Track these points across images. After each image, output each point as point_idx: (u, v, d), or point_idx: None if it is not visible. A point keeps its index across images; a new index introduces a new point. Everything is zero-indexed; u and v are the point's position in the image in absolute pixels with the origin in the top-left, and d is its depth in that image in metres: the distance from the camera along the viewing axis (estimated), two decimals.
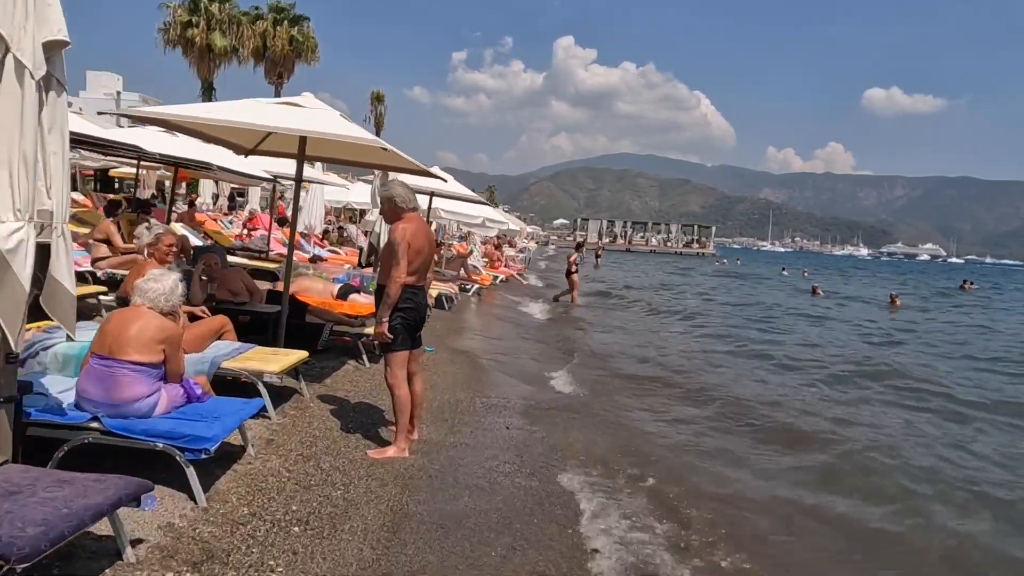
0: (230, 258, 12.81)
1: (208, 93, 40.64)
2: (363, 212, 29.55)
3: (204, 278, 6.89)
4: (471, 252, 20.30)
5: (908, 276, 66.04)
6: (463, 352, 8.89)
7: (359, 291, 9.07)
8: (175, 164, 10.74)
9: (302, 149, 6.30)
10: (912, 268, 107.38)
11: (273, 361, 5.05)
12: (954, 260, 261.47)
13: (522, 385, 7.69)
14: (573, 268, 17.86)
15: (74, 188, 27.52)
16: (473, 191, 15.74)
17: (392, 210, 4.73)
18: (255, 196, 26.00)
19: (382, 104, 61.49)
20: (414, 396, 4.91)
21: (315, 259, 11.47)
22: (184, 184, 26.93)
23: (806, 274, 46.30)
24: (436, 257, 17.25)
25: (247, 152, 7.52)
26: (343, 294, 8.84)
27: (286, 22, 43.70)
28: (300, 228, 16.93)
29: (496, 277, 20.54)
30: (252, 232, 17.59)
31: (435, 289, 12.07)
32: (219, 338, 5.52)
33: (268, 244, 13.47)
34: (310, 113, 5.96)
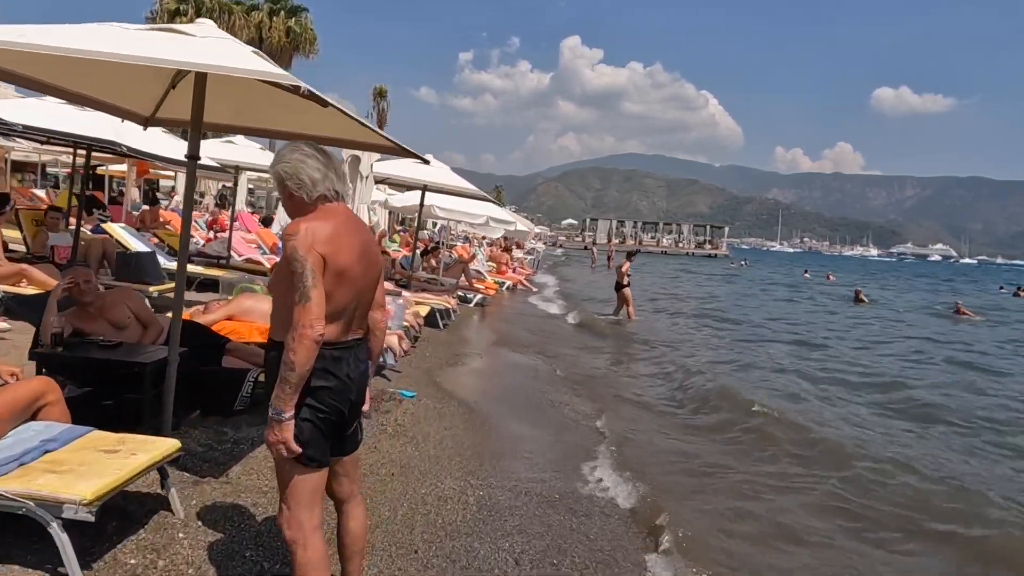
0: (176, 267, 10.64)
1: None
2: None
3: (70, 297, 4.65)
4: (474, 256, 18.01)
5: (931, 278, 63.43)
6: (456, 398, 6.59)
7: None
8: (44, 140, 8.47)
9: (199, 104, 4.02)
10: (927, 270, 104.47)
11: (94, 472, 2.78)
12: (967, 261, 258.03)
13: (539, 458, 5.38)
14: (625, 280, 15.32)
15: (56, 186, 25.48)
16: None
17: (291, 200, 2.48)
18: (241, 192, 23.79)
19: (385, 100, 59.60)
20: (346, 543, 2.64)
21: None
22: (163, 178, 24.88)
23: (831, 277, 43.85)
24: (433, 263, 15.00)
25: (146, 121, 5.27)
26: None
27: (283, 12, 41.71)
28: (275, 229, 14.73)
29: (503, 284, 18.26)
30: (220, 234, 15.42)
31: (425, 304, 9.81)
32: (33, 417, 3.27)
33: (229, 248, 11.22)
34: (203, 44, 3.70)
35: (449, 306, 10.46)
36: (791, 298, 27.99)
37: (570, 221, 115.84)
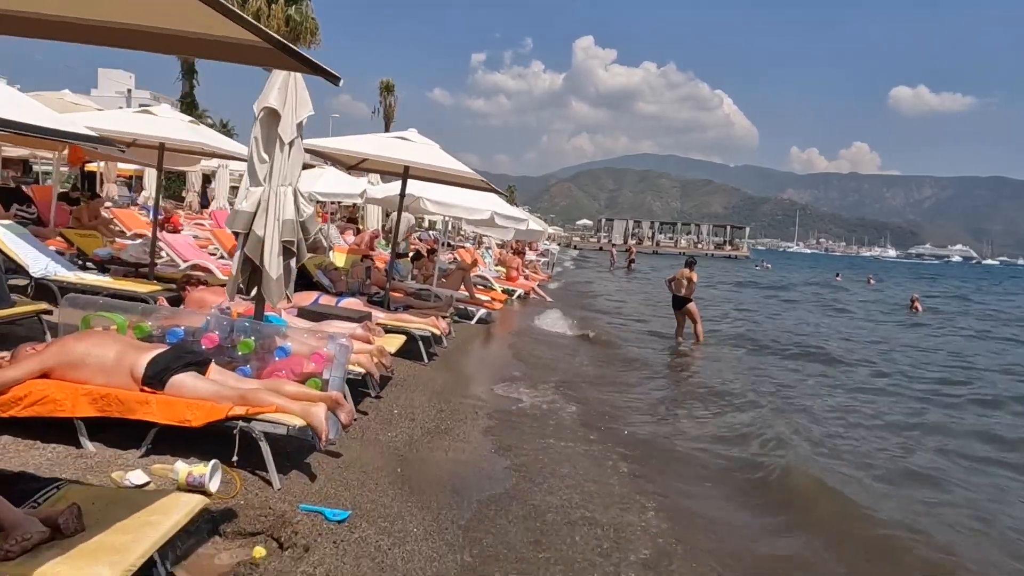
0: (77, 276, 8.02)
1: (190, 77, 36.22)
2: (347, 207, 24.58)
3: None
4: (476, 261, 15.27)
5: (980, 281, 60.09)
6: (428, 511, 3.88)
7: (203, 363, 4.13)
8: None
9: None
10: (957, 272, 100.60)
11: None
12: (989, 262, 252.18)
13: None
14: (688, 293, 12.31)
15: (36, 182, 23.14)
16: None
17: None
18: (222, 186, 21.20)
19: (392, 95, 57.21)
20: None
21: (189, 281, 6.38)
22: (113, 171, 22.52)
23: (872, 281, 40.73)
24: (426, 270, 12.29)
25: None
26: (158, 373, 3.90)
27: (281, 0, 39.34)
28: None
29: (513, 293, 15.54)
30: (177, 231, 12.87)
31: (402, 331, 7.10)
32: None
33: (152, 253, 8.56)
34: None
35: (436, 330, 7.75)
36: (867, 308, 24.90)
37: (584, 221, 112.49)
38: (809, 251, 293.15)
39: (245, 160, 9.45)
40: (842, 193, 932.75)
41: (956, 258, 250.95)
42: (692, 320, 12.40)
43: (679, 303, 12.34)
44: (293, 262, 4.81)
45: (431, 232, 31.21)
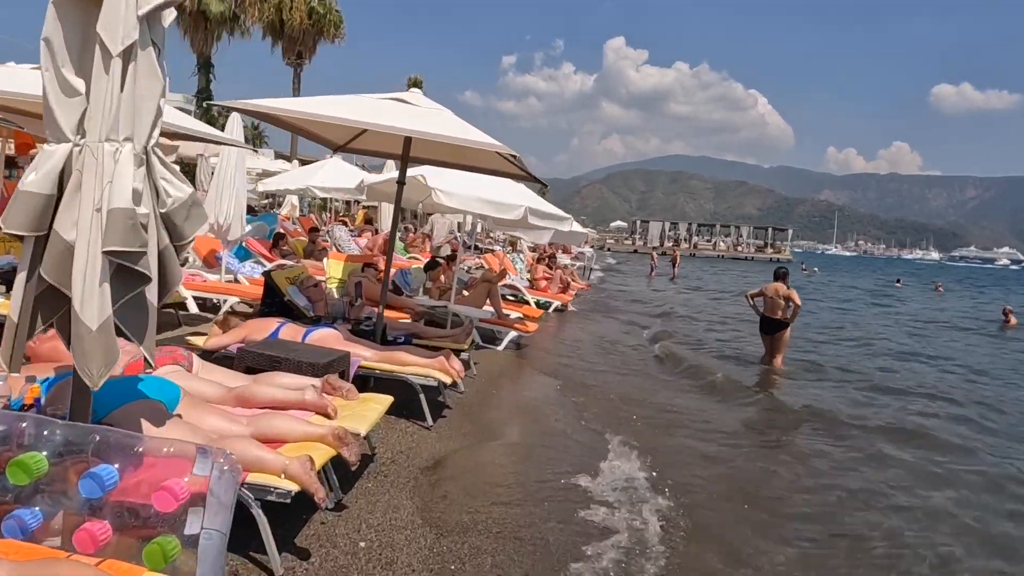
0: None
1: (206, 71, 34.42)
2: (350, 204, 22.48)
3: None
4: (504, 270, 12.83)
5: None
6: None
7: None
8: None
9: None
10: (1007, 275, 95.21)
11: None
12: None
13: None
14: (788, 315, 9.53)
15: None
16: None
17: None
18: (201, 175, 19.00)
19: (420, 90, 55.31)
20: None
21: None
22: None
23: (940, 288, 37.22)
24: (443, 281, 9.85)
25: None
26: None
27: None
28: (203, 229, 9.80)
29: (548, 306, 13.11)
30: None
31: (371, 405, 4.74)
32: None
33: None
34: None
35: (445, 377, 5.35)
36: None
37: (618, 223, 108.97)
38: (848, 253, 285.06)
39: (209, 141, 7.12)
40: (881, 194, 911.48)
41: (1003, 261, 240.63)
42: (780, 346, 9.77)
43: (772, 327, 9.63)
44: (149, 292, 2.44)
45: (457, 234, 28.09)
